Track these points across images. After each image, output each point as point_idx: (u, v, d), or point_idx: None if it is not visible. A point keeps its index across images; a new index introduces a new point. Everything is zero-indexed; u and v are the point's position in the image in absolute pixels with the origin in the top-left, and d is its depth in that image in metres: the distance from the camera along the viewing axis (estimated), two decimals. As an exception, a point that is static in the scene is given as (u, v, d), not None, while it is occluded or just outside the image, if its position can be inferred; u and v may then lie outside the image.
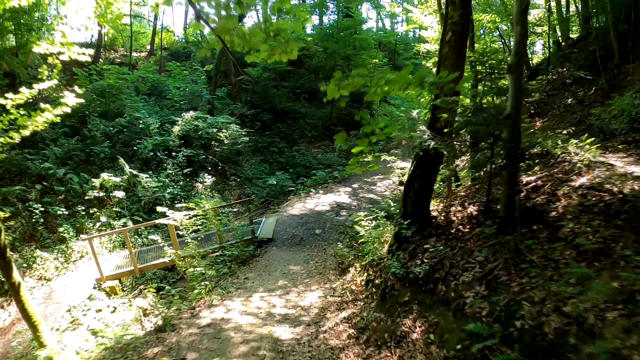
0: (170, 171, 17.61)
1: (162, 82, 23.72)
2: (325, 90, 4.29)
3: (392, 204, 11.64)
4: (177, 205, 13.35)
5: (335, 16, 31.46)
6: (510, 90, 6.10)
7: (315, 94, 29.55)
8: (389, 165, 21.37)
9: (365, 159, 5.41)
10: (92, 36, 29.44)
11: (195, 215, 11.73)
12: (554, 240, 5.58)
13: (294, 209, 15.90)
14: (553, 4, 18.42)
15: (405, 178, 14.76)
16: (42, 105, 7.52)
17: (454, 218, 7.81)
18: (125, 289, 12.85)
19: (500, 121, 6.09)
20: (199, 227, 12.42)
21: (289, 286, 9.21)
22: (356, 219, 9.78)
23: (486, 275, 5.44)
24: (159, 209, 11.82)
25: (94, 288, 12.27)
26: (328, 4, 31.01)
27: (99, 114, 19.21)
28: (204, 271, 10.17)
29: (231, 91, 25.14)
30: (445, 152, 6.94)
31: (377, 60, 28.49)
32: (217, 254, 11.91)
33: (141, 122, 18.81)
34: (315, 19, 34.65)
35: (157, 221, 12.01)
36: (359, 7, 33.72)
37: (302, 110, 27.17)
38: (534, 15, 17.46)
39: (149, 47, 32.39)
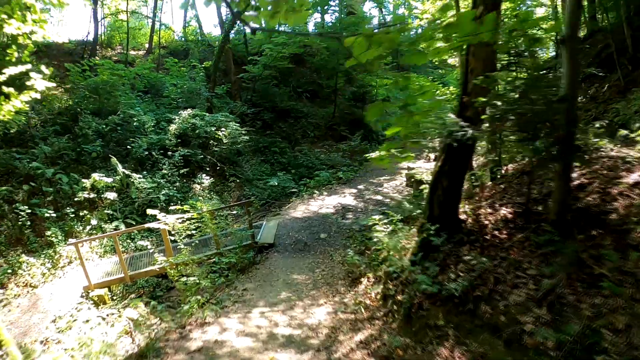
0: (165, 171, 16.45)
1: (159, 79, 22.57)
2: (350, 65, 3.05)
3: (407, 205, 10.45)
4: (172, 208, 12.29)
5: (337, 15, 30.45)
6: (565, 67, 4.96)
7: (317, 93, 28.49)
8: (395, 165, 20.34)
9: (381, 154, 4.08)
10: (89, 33, 28.38)
11: (189, 219, 10.58)
12: (623, 248, 4.43)
13: (296, 211, 14.73)
14: (559, 2, 17.43)
15: (423, 177, 13.75)
16: (4, 89, 6.26)
17: (486, 222, 6.63)
18: (115, 297, 11.75)
19: (554, 104, 4.93)
20: (194, 231, 11.32)
21: (293, 299, 8.01)
22: (370, 223, 8.57)
23: (546, 294, 4.26)
24: (150, 211, 10.64)
25: (82, 297, 11.22)
26: (330, 1, 29.80)
27: (91, 112, 18.13)
28: (198, 281, 9.01)
29: (231, 89, 23.99)
30: (482, 143, 5.75)
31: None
32: (213, 260, 10.74)
33: (135, 119, 17.66)
34: (317, 17, 33.58)
35: (147, 225, 10.84)
36: (362, 4, 32.65)
37: (304, 110, 26.02)
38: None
39: (147, 45, 31.31)
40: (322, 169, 20.04)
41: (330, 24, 31.03)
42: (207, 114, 18.54)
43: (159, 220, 10.19)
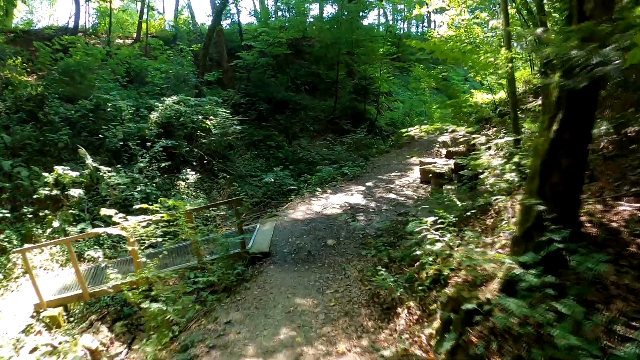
0: (142, 165, 13.71)
1: (143, 67, 19.74)
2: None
3: (457, 202, 7.82)
4: (137, 207, 9.64)
5: (336, 9, 27.71)
6: None
7: (317, 85, 25.83)
8: (405, 161, 17.76)
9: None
10: (70, 17, 25.53)
11: (157, 222, 7.87)
12: None
13: (296, 212, 12.01)
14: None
15: (445, 169, 11.14)
16: None
17: (613, 224, 3.97)
18: (72, 319, 9.11)
19: None
20: (164, 237, 8.60)
21: (298, 342, 5.26)
22: (416, 228, 5.82)
23: None
24: (104, 211, 7.89)
25: (32, 317, 8.59)
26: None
27: (62, 97, 15.42)
28: (164, 307, 6.31)
29: (223, 78, 21.22)
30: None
31: (383, 50, 24.63)
32: (191, 276, 8.02)
33: (110, 105, 14.88)
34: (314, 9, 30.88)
35: (96, 230, 8.19)
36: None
37: (303, 102, 23.34)
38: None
39: (135, 34, 28.47)
40: (324, 164, 17.35)
41: (329, 17, 28.22)
42: (192, 99, 15.73)
43: (117, 223, 7.52)
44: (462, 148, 18.56)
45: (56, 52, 17.01)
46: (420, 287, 5.38)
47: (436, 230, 5.62)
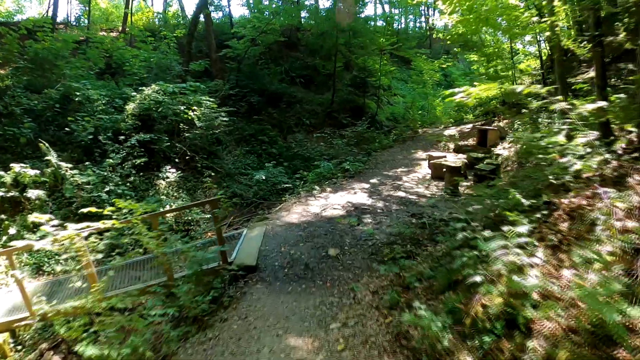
0: (112, 161, 11.71)
1: (125, 58, 17.61)
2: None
3: (524, 201, 5.83)
4: (85, 210, 7.64)
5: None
6: None
7: (313, 78, 23.82)
8: (411, 156, 15.84)
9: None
10: (49, 7, 23.35)
11: (102, 231, 5.90)
12: None
13: (291, 214, 10.00)
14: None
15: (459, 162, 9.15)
16: None
17: None
18: (21, 347, 7.20)
19: None
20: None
21: None
22: (491, 245, 3.81)
23: None
24: (34, 217, 5.99)
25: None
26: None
27: (27, 87, 13.44)
28: (105, 353, 4.36)
29: (211, 69, 19.13)
30: None
31: (383, 40, 22.61)
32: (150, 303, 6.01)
33: (78, 94, 12.84)
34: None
35: (24, 244, 6.21)
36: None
37: (298, 95, 21.30)
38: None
39: (121, 27, 26.36)
40: (322, 160, 15.35)
41: (325, 10, 26.22)
42: (171, 85, 13.65)
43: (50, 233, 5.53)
44: (471, 141, 16.82)
45: (24, 39, 14.98)
46: (479, 334, 3.38)
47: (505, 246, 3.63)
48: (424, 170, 13.73)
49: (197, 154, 14.19)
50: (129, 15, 25.08)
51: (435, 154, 14.17)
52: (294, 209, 10.41)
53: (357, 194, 11.13)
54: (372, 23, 27.69)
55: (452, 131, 18.83)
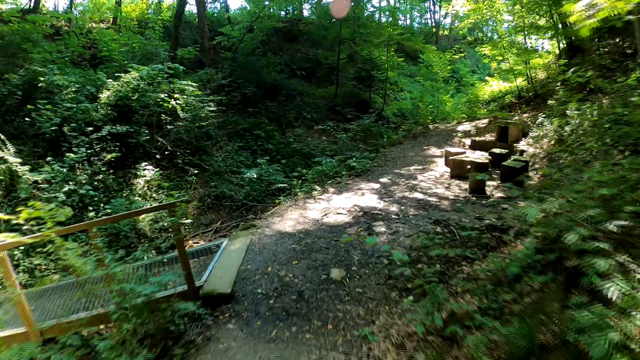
0: (74, 155, 9.73)
1: (105, 42, 15.57)
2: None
3: None
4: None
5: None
6: None
7: (315, 71, 21.78)
8: (424, 152, 13.85)
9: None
10: (31, -2, 21.34)
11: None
12: None
13: (284, 220, 7.97)
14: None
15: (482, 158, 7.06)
16: None
17: None
18: None
19: None
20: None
21: None
22: None
23: None
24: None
25: None
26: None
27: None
28: None
29: (203, 59, 17.10)
30: None
31: (391, 30, 20.53)
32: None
33: (42, 79, 10.86)
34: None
35: None
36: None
37: (299, 87, 19.27)
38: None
39: (112, 18, 24.37)
40: (324, 157, 13.31)
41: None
42: (146, 68, 11.60)
43: None
44: (489, 137, 14.86)
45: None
46: None
47: None
48: (440, 168, 11.72)
49: (182, 149, 12.22)
50: (119, 5, 23.01)
51: (453, 150, 12.18)
52: (288, 213, 8.38)
53: (366, 196, 9.09)
54: (377, 16, 25.85)
55: (466, 127, 16.83)
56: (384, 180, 10.52)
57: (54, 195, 8.85)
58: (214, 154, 13.33)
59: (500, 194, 8.58)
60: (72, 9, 20.54)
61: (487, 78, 23.79)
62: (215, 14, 25.04)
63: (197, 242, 9.79)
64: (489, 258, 5.41)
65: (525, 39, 18.53)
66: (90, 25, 19.85)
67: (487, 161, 9.83)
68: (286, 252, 6.22)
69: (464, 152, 11.84)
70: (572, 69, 11.35)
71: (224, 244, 6.80)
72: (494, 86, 20.94)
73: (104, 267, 4.50)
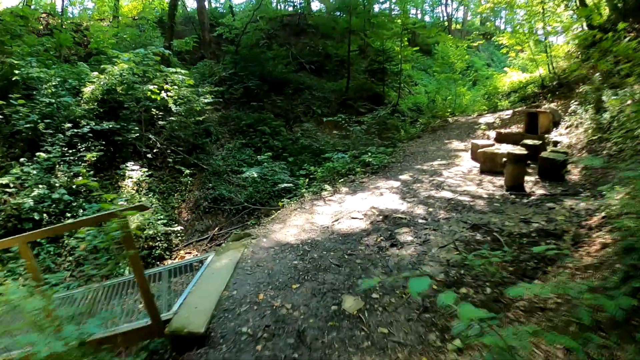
0: (47, 155, 8.41)
1: (99, 40, 14.22)
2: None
3: None
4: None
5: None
6: None
7: (324, 65, 20.32)
8: (445, 147, 12.39)
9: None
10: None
11: None
12: None
13: (286, 227, 6.48)
14: None
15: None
16: None
17: None
18: None
19: None
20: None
21: None
22: None
23: None
24: None
25: None
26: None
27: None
28: None
29: (203, 52, 15.66)
30: None
31: (400, 21, 18.95)
32: None
33: (17, 73, 9.53)
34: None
35: None
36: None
37: (307, 81, 17.79)
38: None
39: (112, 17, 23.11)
40: (336, 152, 11.78)
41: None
42: (126, 55, 10.14)
43: None
44: (515, 129, 13.37)
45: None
46: None
47: None
48: (467, 162, 10.17)
49: (177, 147, 10.84)
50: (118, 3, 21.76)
51: (480, 142, 10.65)
52: (292, 219, 6.90)
53: (385, 196, 7.58)
54: (387, 5, 24.40)
55: (488, 119, 15.30)
56: (404, 177, 8.99)
57: (20, 200, 7.51)
58: (214, 153, 11.94)
59: (541, 191, 7.08)
60: (70, 6, 19.15)
61: (505, 69, 22.26)
62: (219, 9, 23.75)
63: (189, 253, 8.38)
64: (551, 275, 3.99)
65: (542, 28, 17.16)
66: (89, 23, 18.65)
67: (525, 152, 8.29)
68: (285, 272, 4.74)
69: (493, 145, 10.33)
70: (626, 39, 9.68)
71: (208, 259, 5.35)
72: (514, 77, 19.45)
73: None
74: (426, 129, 15.28)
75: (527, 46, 15.44)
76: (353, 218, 6.40)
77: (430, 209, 6.54)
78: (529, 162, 8.58)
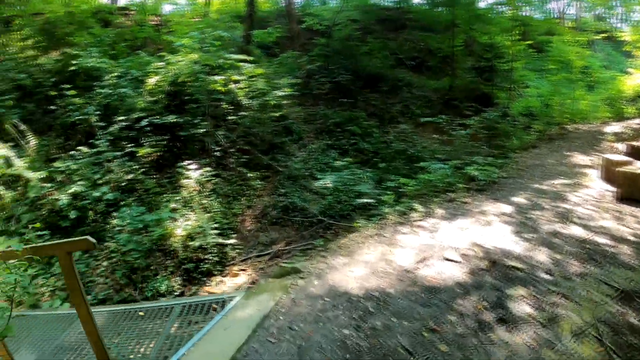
0: (86, 149, 7.57)
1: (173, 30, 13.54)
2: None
3: None
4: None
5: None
6: None
7: (425, 61, 18.33)
8: (566, 160, 10.01)
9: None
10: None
11: None
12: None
13: (352, 264, 4.78)
14: None
15: None
16: None
17: None
18: None
19: None
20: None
21: None
22: None
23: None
24: None
25: None
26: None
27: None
28: None
29: (291, 45, 14.35)
30: None
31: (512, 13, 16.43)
32: None
33: (74, 63, 8.87)
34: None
35: None
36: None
37: (406, 78, 15.91)
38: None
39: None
40: (433, 162, 9.76)
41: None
42: (182, 40, 9.06)
43: None
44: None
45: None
46: None
47: None
48: (596, 184, 7.70)
49: (252, 146, 9.63)
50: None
51: (616, 158, 8.12)
52: (363, 250, 5.17)
53: (493, 226, 5.57)
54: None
55: (614, 128, 12.49)
56: (519, 199, 6.86)
57: (57, 197, 6.64)
58: (294, 154, 10.56)
59: None
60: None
61: (629, 69, 18.86)
62: (315, 3, 22.55)
63: (244, 270, 7.00)
64: None
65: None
66: (180, 19, 18.30)
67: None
68: (325, 348, 3.04)
69: (630, 161, 7.79)
70: None
71: (232, 303, 3.87)
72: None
73: None
74: (542, 137, 12.79)
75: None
76: (446, 259, 4.54)
77: (557, 256, 4.49)
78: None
